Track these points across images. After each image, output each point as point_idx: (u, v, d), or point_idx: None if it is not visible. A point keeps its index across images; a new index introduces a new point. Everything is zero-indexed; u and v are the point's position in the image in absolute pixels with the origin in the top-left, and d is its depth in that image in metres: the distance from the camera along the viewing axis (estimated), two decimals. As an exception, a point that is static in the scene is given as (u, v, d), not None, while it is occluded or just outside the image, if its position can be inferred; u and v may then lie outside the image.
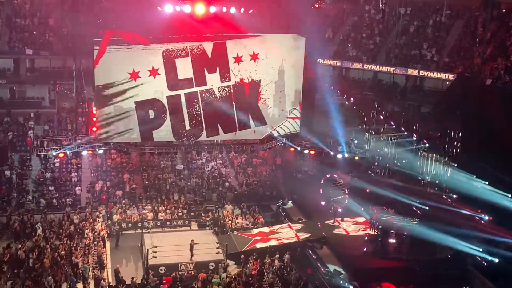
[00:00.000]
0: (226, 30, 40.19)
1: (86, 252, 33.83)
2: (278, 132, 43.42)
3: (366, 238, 35.66)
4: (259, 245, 35.29)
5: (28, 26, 51.74)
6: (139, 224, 38.30)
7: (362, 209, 37.84)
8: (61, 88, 50.20)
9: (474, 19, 52.27)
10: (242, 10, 39.88)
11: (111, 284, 30.96)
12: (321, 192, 39.67)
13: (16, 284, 29.62)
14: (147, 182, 43.93)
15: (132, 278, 30.55)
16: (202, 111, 41.25)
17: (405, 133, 38.09)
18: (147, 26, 38.34)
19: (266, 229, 37.74)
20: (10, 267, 31.78)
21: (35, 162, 43.87)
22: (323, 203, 39.20)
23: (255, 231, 37.61)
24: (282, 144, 44.83)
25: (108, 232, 37.00)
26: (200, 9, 38.52)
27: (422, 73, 51.19)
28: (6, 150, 44.14)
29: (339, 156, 42.67)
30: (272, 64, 42.19)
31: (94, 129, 39.91)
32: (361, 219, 38.25)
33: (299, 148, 44.23)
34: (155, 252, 33.23)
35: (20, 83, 51.40)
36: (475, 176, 35.70)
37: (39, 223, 36.56)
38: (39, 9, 52.86)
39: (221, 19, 39.78)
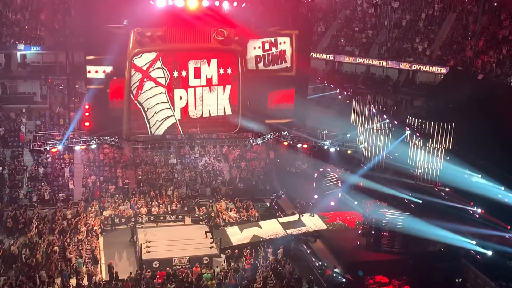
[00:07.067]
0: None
1: (80, 247, 33.74)
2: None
3: (360, 231, 35.77)
4: (253, 238, 35.35)
5: (19, 21, 51.47)
6: (132, 219, 38.23)
7: (356, 202, 37.96)
8: (53, 83, 49.99)
9: (466, 12, 52.36)
10: (235, 4, 39.50)
11: (104, 279, 30.97)
12: (314, 186, 39.72)
13: (9, 279, 29.47)
14: (140, 177, 43.81)
15: (130, 273, 30.49)
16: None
17: (398, 126, 38.12)
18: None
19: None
20: (3, 263, 31.72)
21: (27, 158, 43.70)
22: (316, 196, 39.24)
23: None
24: (275, 138, 44.72)
25: (102, 227, 36.95)
26: (193, 3, 38.14)
27: (414, 66, 51.26)
28: (-3, 145, 44.05)
29: (332, 150, 42.66)
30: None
31: (87, 123, 39.65)
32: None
33: (292, 142, 44.11)
34: (149, 247, 33.22)
35: (12, 78, 51.07)
36: (467, 169, 35.85)
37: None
38: (30, 4, 52.58)
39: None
